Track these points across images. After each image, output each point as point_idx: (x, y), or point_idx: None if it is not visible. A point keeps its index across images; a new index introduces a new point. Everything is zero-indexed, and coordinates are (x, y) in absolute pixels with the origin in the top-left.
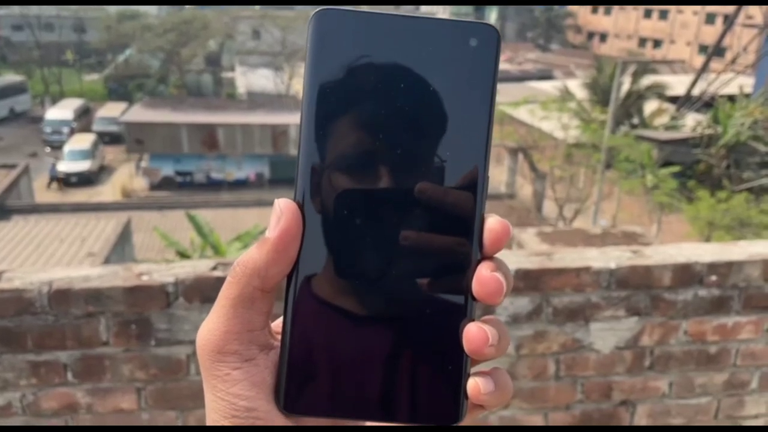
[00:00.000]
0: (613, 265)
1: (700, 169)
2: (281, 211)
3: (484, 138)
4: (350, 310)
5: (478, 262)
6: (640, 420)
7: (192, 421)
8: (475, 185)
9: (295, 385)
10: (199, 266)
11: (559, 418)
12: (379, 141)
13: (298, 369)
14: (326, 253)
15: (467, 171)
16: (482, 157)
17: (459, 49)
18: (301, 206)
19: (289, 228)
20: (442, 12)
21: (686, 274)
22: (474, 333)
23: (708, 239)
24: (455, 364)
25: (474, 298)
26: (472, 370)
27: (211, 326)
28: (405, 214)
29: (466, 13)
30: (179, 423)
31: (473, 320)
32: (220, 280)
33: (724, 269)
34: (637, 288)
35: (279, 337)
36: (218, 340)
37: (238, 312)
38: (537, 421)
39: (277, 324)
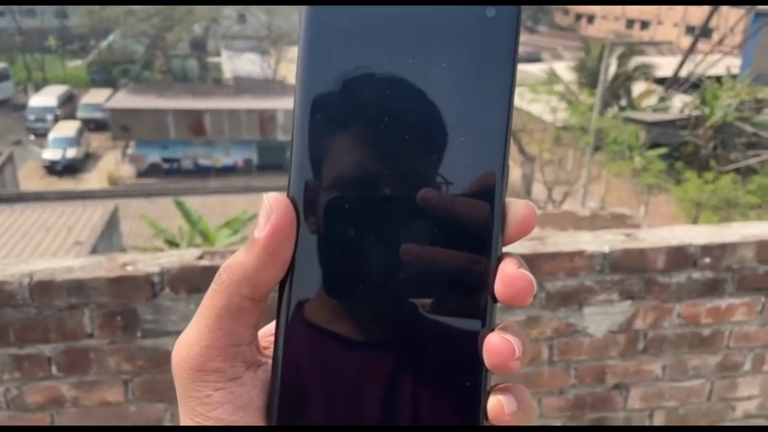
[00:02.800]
0: (606, 249)
1: (687, 151)
2: (271, 207)
3: (504, 120)
4: (352, 321)
5: (499, 259)
6: (634, 403)
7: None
8: (495, 173)
9: (287, 406)
10: (185, 255)
11: (552, 403)
12: (385, 129)
13: (292, 389)
14: (326, 256)
15: (487, 158)
16: (502, 140)
17: (473, 21)
18: (295, 202)
19: (280, 226)
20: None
21: (680, 257)
22: (498, 345)
23: (695, 220)
24: (473, 380)
25: (495, 301)
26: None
27: (189, 339)
28: (415, 210)
29: None
30: (168, 415)
31: (492, 329)
32: (207, 270)
33: (717, 251)
34: (630, 271)
35: (268, 352)
36: (198, 356)
37: (222, 324)
38: None
39: (264, 334)
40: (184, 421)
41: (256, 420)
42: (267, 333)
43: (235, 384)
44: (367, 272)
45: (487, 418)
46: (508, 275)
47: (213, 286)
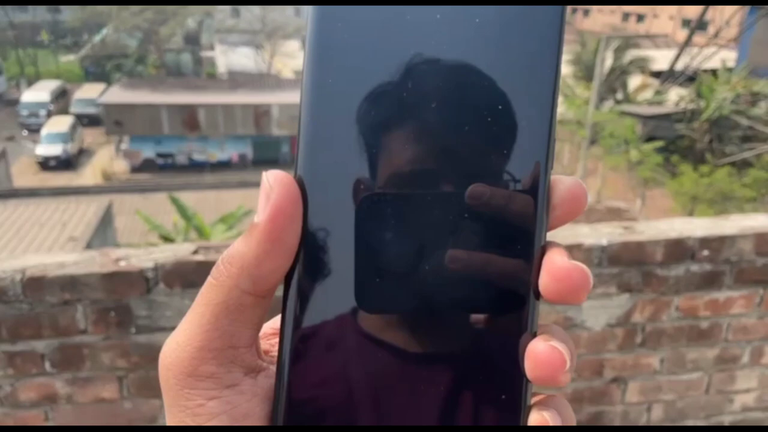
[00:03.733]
0: (604, 242)
1: (683, 144)
2: (270, 187)
3: (549, 109)
4: (369, 321)
5: (543, 249)
6: (632, 396)
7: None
8: (540, 163)
9: (295, 418)
10: (179, 250)
11: None
12: (422, 110)
13: (300, 400)
14: (340, 247)
15: (532, 149)
16: (547, 128)
17: (516, 11)
18: (302, 183)
19: (282, 206)
20: None
21: (678, 250)
22: (545, 354)
23: (691, 213)
24: (512, 394)
25: (538, 298)
26: None
27: (180, 340)
28: (456, 205)
29: None
30: (163, 411)
31: (534, 334)
32: (202, 264)
33: (716, 244)
34: (628, 264)
35: (269, 356)
36: (190, 358)
37: (219, 323)
38: None
39: (264, 335)
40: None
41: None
42: (267, 334)
43: (232, 392)
44: (389, 268)
45: None
46: (560, 268)
47: (210, 279)
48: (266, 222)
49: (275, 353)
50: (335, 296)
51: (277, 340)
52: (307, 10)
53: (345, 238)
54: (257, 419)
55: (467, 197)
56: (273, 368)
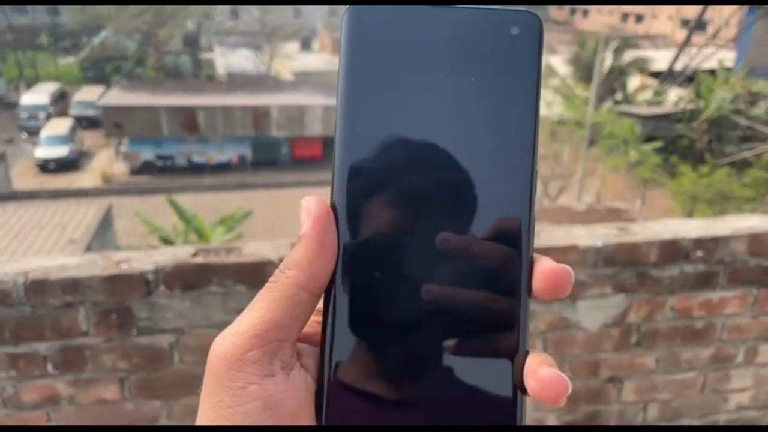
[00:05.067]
0: (599, 243)
1: (682, 144)
2: (309, 205)
3: (531, 142)
4: (393, 327)
5: (532, 261)
6: (628, 396)
7: (177, 410)
8: (523, 193)
9: (337, 402)
10: (179, 253)
11: None
12: (418, 147)
13: (342, 385)
14: (364, 263)
15: (515, 181)
16: (530, 165)
17: (500, 40)
18: (334, 208)
19: (321, 216)
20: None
21: (672, 250)
22: (554, 379)
23: (691, 213)
24: (509, 400)
25: (529, 294)
26: None
27: (237, 329)
28: (436, 247)
29: None
30: (164, 412)
31: (527, 353)
32: (202, 267)
33: (710, 244)
34: (623, 265)
35: (301, 356)
36: (242, 344)
37: (274, 315)
38: (525, 399)
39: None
40: (207, 415)
41: (283, 423)
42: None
43: (270, 381)
44: (401, 286)
45: (525, 392)
46: (549, 270)
47: (268, 283)
48: (311, 229)
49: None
50: (365, 301)
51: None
52: (342, 43)
53: (366, 254)
54: (287, 410)
55: (438, 242)
56: (304, 368)
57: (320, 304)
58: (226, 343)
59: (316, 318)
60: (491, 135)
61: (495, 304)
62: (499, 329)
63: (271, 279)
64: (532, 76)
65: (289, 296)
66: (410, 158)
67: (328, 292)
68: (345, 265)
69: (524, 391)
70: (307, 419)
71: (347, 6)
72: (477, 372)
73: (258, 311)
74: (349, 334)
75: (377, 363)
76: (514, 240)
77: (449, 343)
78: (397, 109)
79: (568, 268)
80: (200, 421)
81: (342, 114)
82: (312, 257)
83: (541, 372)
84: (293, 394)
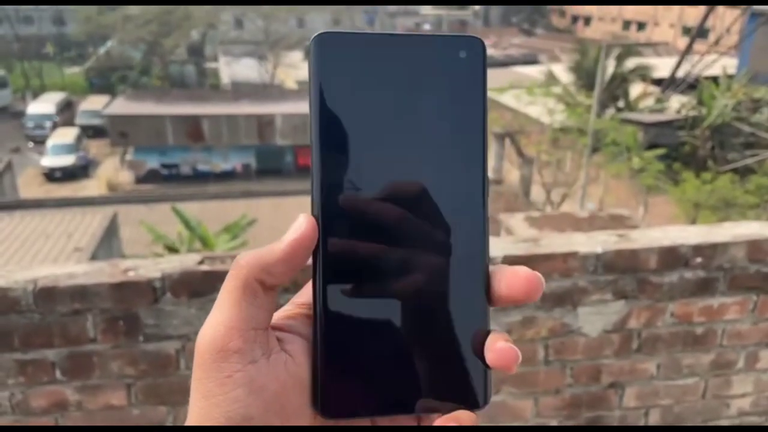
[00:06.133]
0: (599, 250)
1: (685, 151)
2: (300, 224)
3: (481, 155)
4: (374, 318)
5: (487, 262)
6: (629, 402)
7: (183, 416)
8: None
9: (332, 390)
10: (185, 261)
11: (549, 402)
12: (382, 163)
13: (334, 374)
14: (345, 265)
15: (470, 183)
16: (480, 163)
17: (451, 63)
18: (317, 217)
19: (305, 236)
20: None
21: (672, 257)
22: (506, 349)
23: (694, 220)
24: (478, 353)
25: (490, 305)
26: None
27: (212, 322)
28: (408, 236)
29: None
30: (170, 418)
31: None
32: (208, 274)
33: (709, 251)
34: (623, 271)
35: (282, 342)
36: (222, 336)
37: (241, 306)
38: (527, 405)
39: (278, 317)
40: (198, 405)
41: (268, 404)
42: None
43: (253, 367)
44: (377, 284)
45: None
46: (525, 275)
47: (230, 272)
48: (287, 246)
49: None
50: (350, 297)
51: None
52: (311, 70)
53: (347, 257)
54: (271, 392)
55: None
56: (283, 351)
57: (306, 298)
58: (207, 336)
59: (296, 309)
60: (447, 151)
61: (460, 296)
62: (464, 315)
63: (232, 268)
64: (480, 94)
65: (248, 285)
66: (377, 175)
67: (315, 291)
68: (326, 268)
69: (485, 363)
70: (291, 398)
71: (316, 33)
72: (450, 352)
73: (225, 302)
74: (335, 330)
75: (363, 353)
76: (473, 246)
77: (424, 331)
78: (364, 129)
79: (539, 274)
80: (192, 410)
81: (316, 137)
82: (278, 261)
83: (497, 345)
84: (276, 377)
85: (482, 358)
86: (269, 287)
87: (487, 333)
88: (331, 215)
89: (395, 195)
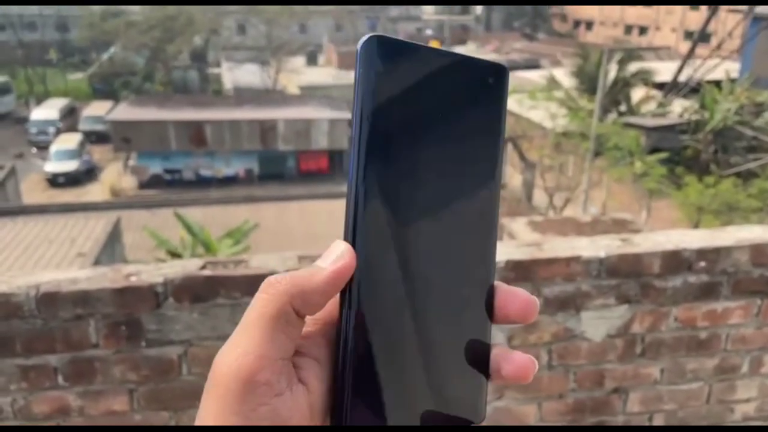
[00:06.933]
0: (602, 254)
1: (687, 155)
2: (342, 252)
3: (498, 177)
4: (395, 338)
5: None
6: (633, 407)
7: (185, 421)
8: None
9: (356, 405)
10: (188, 266)
11: (552, 407)
12: (416, 187)
13: (359, 392)
14: (376, 292)
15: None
16: (497, 175)
17: (481, 87)
18: (353, 245)
19: (347, 267)
20: (433, 10)
21: (675, 261)
22: (526, 360)
23: (697, 224)
24: (482, 369)
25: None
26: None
27: (239, 350)
28: (434, 262)
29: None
30: (172, 423)
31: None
32: (210, 279)
33: (712, 255)
34: (626, 276)
35: (299, 368)
36: (252, 365)
37: (275, 335)
38: (531, 410)
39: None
40: None
41: None
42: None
43: (279, 400)
44: (399, 310)
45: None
46: (524, 299)
47: (261, 294)
48: (330, 275)
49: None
50: (378, 314)
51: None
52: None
53: (381, 279)
54: (292, 425)
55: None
56: (301, 382)
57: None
58: (232, 365)
59: (309, 327)
60: (469, 172)
61: (467, 313)
62: (469, 331)
63: (264, 288)
64: (502, 118)
65: (284, 313)
66: (411, 199)
67: (346, 317)
68: (360, 296)
69: (488, 377)
70: (307, 427)
71: (367, 35)
72: (456, 367)
73: (257, 329)
74: (362, 352)
75: (385, 370)
76: (484, 266)
77: (435, 349)
78: (404, 146)
79: (536, 299)
80: None
81: (360, 154)
82: (318, 291)
83: (514, 357)
84: (298, 408)
85: (485, 373)
86: (301, 317)
87: (489, 347)
88: (368, 243)
89: (428, 224)
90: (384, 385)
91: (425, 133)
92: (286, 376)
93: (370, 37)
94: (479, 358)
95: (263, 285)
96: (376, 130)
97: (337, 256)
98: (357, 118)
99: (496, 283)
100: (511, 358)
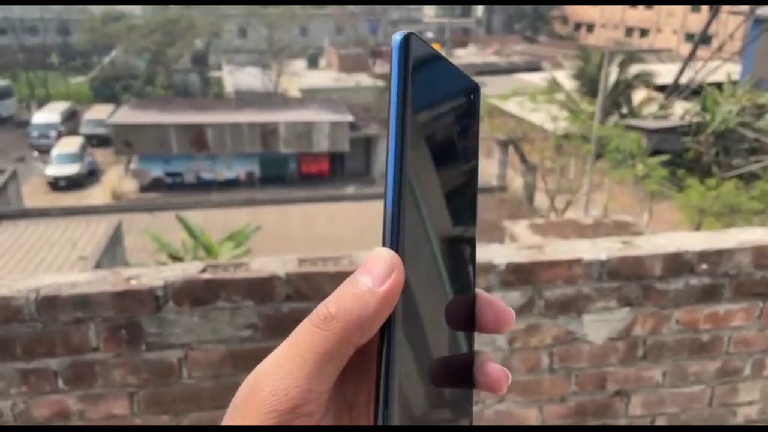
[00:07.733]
0: (604, 257)
1: (689, 157)
2: (393, 266)
3: (476, 185)
4: (419, 352)
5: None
6: (635, 410)
7: (186, 425)
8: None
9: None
10: (188, 269)
11: (554, 410)
12: (437, 198)
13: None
14: (415, 305)
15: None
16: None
17: (470, 100)
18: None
19: (398, 286)
20: (434, 13)
21: (677, 263)
22: (499, 372)
23: (699, 226)
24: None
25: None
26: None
27: (291, 380)
28: (446, 274)
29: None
30: (171, 426)
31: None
32: (210, 283)
33: (714, 257)
34: (628, 278)
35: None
36: (296, 398)
37: (326, 370)
38: (532, 414)
39: None
40: None
41: None
42: None
43: (313, 424)
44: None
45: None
46: (502, 310)
47: (316, 329)
48: (387, 293)
49: None
50: (418, 329)
51: None
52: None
53: (418, 295)
54: None
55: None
56: (331, 411)
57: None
58: (278, 392)
59: None
60: (460, 182)
61: (457, 323)
62: (458, 341)
63: (319, 323)
64: (478, 131)
65: (342, 351)
66: (435, 209)
67: (390, 336)
68: (403, 316)
69: (471, 385)
70: None
71: (403, 31)
72: (448, 375)
73: (308, 363)
74: (398, 369)
75: (413, 379)
76: (469, 273)
77: (439, 356)
78: (430, 153)
79: (512, 311)
80: None
81: (395, 154)
82: (377, 318)
83: (487, 367)
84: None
85: (470, 382)
86: (359, 347)
87: (472, 356)
88: (409, 252)
89: (436, 232)
90: (420, 403)
91: (442, 138)
92: (326, 405)
93: (410, 34)
94: (463, 364)
95: (317, 318)
96: (415, 128)
97: (384, 271)
98: (398, 111)
99: (477, 291)
100: (485, 370)
